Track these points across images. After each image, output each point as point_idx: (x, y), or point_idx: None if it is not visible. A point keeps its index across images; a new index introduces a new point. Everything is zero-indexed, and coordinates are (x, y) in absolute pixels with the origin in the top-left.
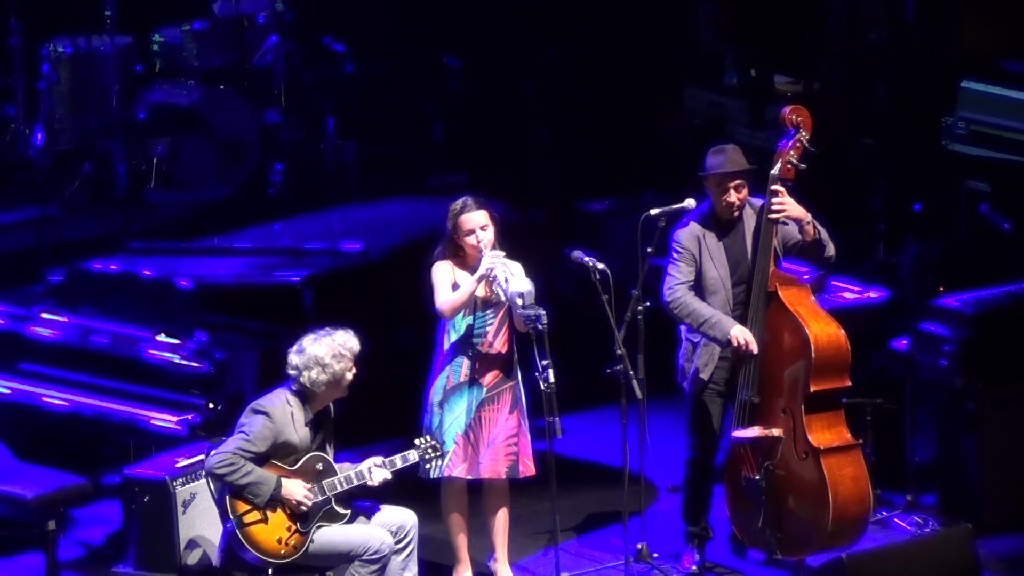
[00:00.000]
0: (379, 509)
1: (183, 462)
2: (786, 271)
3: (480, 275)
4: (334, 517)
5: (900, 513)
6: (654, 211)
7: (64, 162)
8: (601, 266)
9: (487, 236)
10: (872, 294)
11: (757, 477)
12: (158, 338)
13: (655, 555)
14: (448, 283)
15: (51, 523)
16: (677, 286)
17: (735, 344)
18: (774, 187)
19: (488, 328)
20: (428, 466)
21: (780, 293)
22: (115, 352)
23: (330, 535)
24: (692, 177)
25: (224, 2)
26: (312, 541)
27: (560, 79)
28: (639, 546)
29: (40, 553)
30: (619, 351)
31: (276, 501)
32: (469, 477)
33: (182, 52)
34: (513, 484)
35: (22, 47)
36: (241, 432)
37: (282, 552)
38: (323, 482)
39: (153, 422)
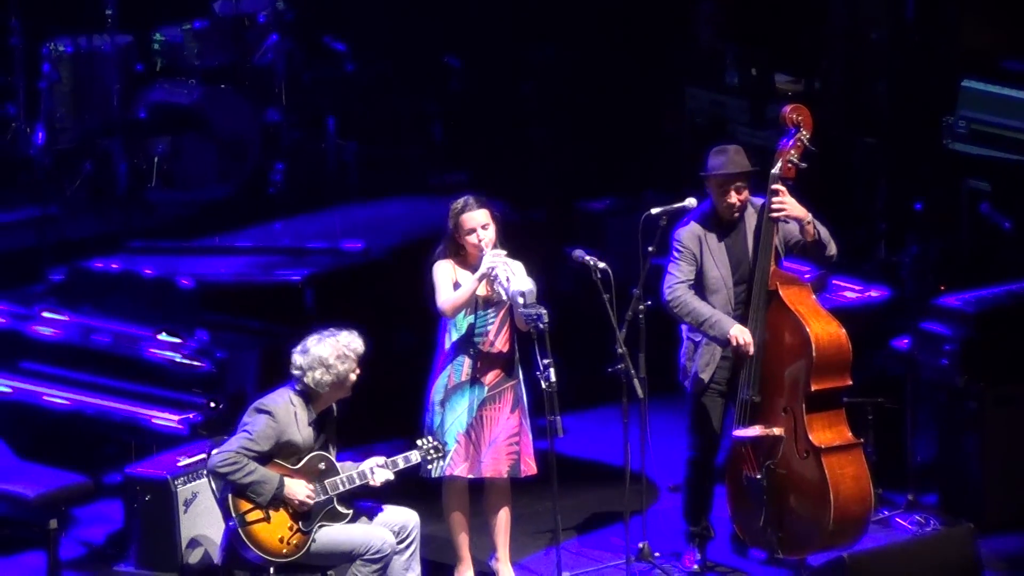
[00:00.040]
0: (381, 510)
1: (184, 461)
2: (787, 270)
3: (481, 274)
4: (336, 517)
5: (901, 512)
6: (655, 210)
7: (65, 161)
8: (602, 265)
9: (488, 235)
10: (873, 293)
11: (758, 476)
12: (159, 337)
13: (656, 554)
14: (449, 282)
15: (53, 522)
16: (677, 285)
17: (734, 343)
18: (775, 186)
19: (489, 327)
20: (430, 466)
21: (781, 292)
22: (116, 351)
23: (332, 534)
24: (693, 176)
25: (225, 1)
26: (314, 540)
27: (560, 79)
28: (640, 545)
29: (42, 552)
30: (620, 350)
31: (278, 500)
32: (471, 476)
33: (183, 51)
34: (515, 483)
35: (23, 46)
36: (244, 431)
37: (284, 551)
38: (325, 482)
39: (154, 421)
